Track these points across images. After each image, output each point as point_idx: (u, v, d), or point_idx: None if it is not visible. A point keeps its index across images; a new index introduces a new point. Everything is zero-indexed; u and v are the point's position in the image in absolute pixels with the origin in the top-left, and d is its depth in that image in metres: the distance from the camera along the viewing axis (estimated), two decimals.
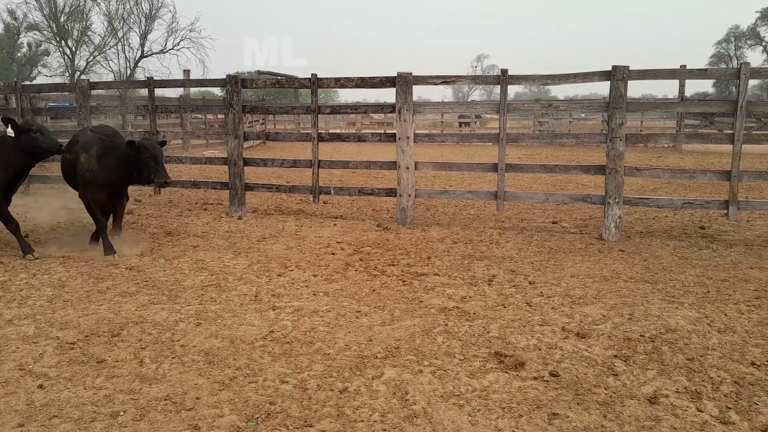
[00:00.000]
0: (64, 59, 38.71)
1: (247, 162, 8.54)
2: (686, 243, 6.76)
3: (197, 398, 3.15)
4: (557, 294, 4.87)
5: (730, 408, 3.09)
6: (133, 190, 10.31)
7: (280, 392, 3.20)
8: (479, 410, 3.02)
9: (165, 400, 3.14)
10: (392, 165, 7.82)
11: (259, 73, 29.06)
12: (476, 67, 71.32)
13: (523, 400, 3.12)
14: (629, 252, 6.32)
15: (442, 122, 30.69)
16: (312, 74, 8.00)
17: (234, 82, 8.33)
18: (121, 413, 3.00)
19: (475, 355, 3.69)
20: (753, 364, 3.59)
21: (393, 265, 5.78)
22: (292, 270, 5.57)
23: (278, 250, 6.36)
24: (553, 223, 8.03)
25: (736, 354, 3.72)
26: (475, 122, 32.00)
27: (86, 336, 3.97)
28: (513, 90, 79.35)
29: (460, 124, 30.97)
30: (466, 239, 6.90)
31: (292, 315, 4.36)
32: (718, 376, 3.41)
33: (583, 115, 30.37)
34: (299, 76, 10.61)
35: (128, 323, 4.20)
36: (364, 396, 3.16)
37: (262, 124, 24.04)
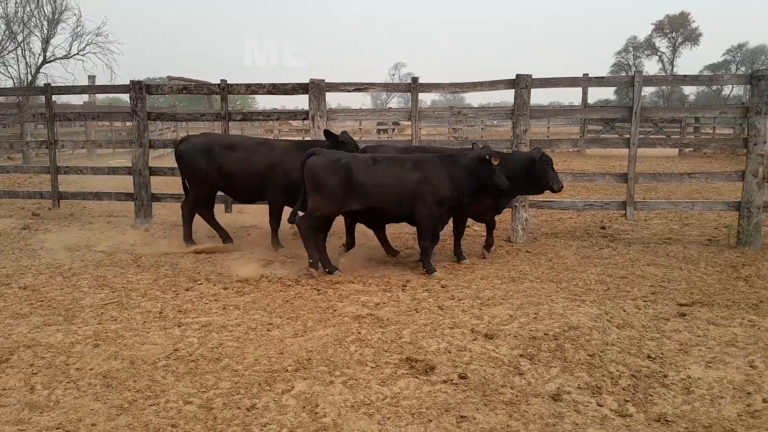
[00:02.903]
0: None
1: (154, 171, 8.19)
2: (588, 243, 7.11)
3: (93, 425, 2.96)
4: (468, 296, 4.96)
5: (628, 401, 3.25)
6: (32, 203, 9.65)
7: (183, 413, 3.05)
8: (389, 418, 3.01)
9: (57, 429, 2.92)
10: None
11: (170, 78, 28.04)
12: (393, 75, 72.19)
13: (433, 404, 3.14)
14: (535, 253, 6.56)
15: (360, 129, 30.81)
16: (222, 80, 7.79)
17: (138, 89, 7.97)
18: None
19: (387, 362, 3.68)
20: (649, 357, 3.80)
21: (308, 274, 5.69)
22: (201, 283, 5.36)
23: (187, 263, 6.11)
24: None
25: (633, 348, 3.92)
26: (393, 129, 32.36)
27: None
28: (429, 97, 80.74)
29: (378, 131, 31.21)
30: (377, 245, 6.91)
31: (198, 331, 4.19)
32: (617, 371, 3.58)
33: (495, 122, 31.45)
34: (211, 82, 10.31)
35: (19, 347, 3.89)
36: (273, 412, 3.07)
37: (173, 131, 23.19)
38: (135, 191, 8.06)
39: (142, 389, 3.33)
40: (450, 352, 3.80)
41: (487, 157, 5.62)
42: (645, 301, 4.89)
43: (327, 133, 6.66)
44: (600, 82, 7.80)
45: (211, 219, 7.04)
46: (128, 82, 8.05)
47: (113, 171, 8.95)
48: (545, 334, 4.06)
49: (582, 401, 3.22)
